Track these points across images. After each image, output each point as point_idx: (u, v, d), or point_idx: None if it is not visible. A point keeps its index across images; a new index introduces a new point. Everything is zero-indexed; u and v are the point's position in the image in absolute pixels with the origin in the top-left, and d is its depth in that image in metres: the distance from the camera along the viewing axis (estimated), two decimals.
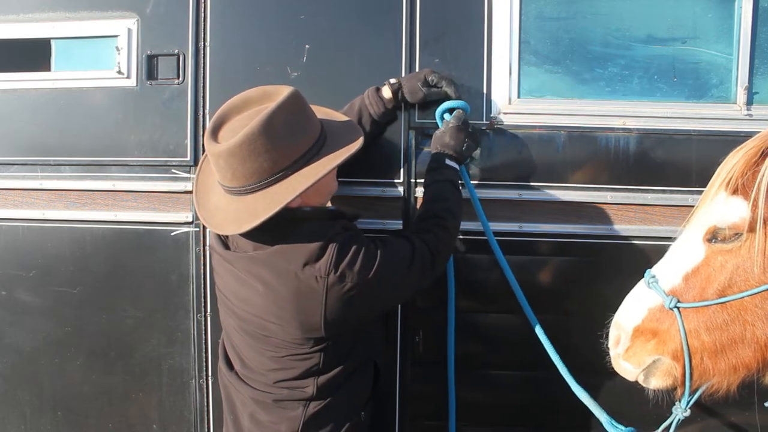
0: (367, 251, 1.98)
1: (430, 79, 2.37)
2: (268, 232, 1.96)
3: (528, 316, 2.32)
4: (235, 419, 2.20)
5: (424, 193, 2.31)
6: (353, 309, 1.99)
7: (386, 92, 2.39)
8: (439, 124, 2.39)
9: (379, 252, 2.00)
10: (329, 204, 2.22)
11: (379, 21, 2.48)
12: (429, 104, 2.45)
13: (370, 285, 1.97)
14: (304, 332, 1.99)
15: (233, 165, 1.88)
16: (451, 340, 2.45)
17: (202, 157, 2.22)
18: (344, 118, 2.22)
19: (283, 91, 1.93)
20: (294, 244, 1.95)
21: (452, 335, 2.45)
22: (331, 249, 1.93)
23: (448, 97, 2.37)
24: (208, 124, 1.98)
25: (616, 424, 2.10)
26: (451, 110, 2.35)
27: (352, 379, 2.15)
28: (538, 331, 2.31)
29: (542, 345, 2.29)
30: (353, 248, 1.96)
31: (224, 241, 2.11)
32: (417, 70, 2.45)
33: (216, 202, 2.02)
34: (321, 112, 2.11)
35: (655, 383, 1.90)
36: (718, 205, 1.77)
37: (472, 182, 2.42)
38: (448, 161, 2.30)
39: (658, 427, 2.01)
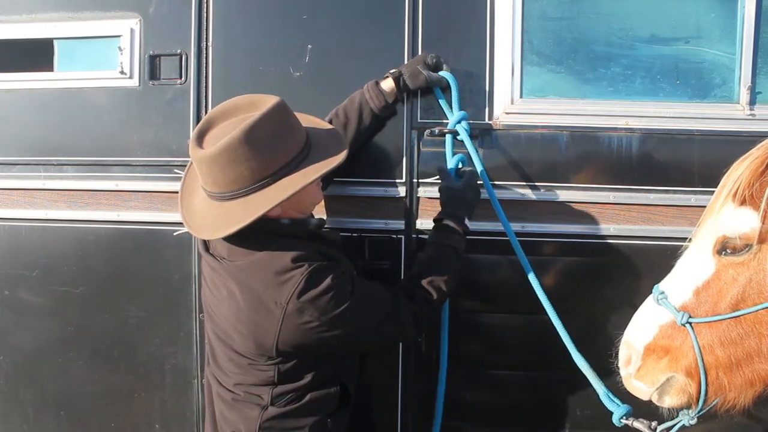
0: (338, 290, 1.92)
1: (428, 60, 2.37)
2: (243, 242, 1.96)
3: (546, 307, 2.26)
4: (212, 413, 2.23)
5: (425, 249, 2.24)
6: (307, 343, 1.96)
7: (386, 84, 2.37)
8: (449, 150, 2.37)
9: (352, 296, 1.95)
10: (313, 214, 2.19)
11: (381, 21, 2.47)
12: (432, 105, 2.45)
13: (330, 326, 1.93)
14: (258, 348, 1.99)
15: (214, 172, 1.87)
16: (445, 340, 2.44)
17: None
18: (329, 126, 2.19)
19: (269, 101, 1.91)
20: (263, 262, 1.93)
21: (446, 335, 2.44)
22: (298, 277, 1.90)
23: (447, 91, 2.38)
24: (195, 128, 1.97)
25: (612, 397, 2.07)
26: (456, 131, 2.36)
27: (316, 393, 2.09)
28: (541, 295, 2.24)
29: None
30: (323, 282, 1.91)
31: (206, 244, 2.12)
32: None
33: (198, 205, 2.02)
34: (306, 120, 2.08)
35: (670, 402, 1.86)
36: (726, 216, 1.75)
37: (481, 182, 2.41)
38: (456, 223, 2.21)
39: (657, 418, 1.98)
